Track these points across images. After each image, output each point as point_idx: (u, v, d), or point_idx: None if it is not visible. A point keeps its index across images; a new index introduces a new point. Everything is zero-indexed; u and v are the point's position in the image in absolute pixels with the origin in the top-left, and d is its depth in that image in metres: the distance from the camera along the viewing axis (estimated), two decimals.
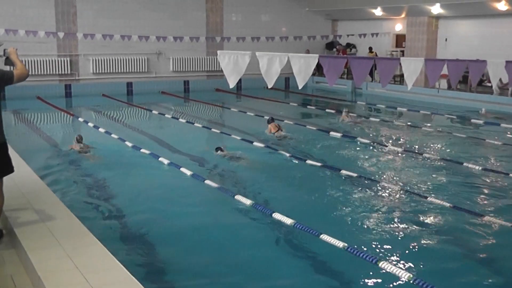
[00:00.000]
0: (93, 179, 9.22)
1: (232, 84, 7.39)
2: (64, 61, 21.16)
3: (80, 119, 15.51)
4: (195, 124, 14.49)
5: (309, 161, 10.38)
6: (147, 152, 10.92)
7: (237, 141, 12.40)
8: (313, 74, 22.10)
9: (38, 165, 9.49)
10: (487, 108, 17.69)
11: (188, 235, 6.82)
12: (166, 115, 16.25)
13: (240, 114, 16.82)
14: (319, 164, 10.11)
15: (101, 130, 13.49)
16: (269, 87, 7.69)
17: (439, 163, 10.54)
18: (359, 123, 15.13)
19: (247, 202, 7.74)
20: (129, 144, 11.76)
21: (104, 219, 7.37)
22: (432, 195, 8.41)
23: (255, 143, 11.97)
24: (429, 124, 15.27)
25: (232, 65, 7.17)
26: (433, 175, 9.68)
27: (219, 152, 10.79)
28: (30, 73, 19.96)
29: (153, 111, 17.24)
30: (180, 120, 15.36)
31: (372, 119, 16.04)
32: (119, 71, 22.22)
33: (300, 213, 7.35)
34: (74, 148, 11.05)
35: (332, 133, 13.36)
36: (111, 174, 9.47)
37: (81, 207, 7.67)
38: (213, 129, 13.70)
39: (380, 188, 8.79)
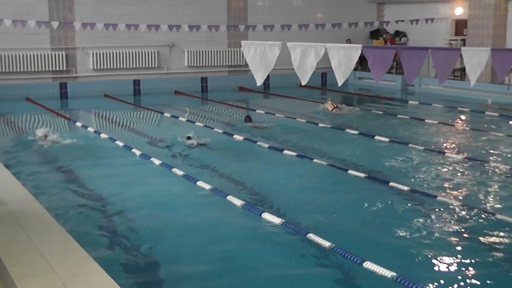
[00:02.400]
0: (87, 190, 9.55)
1: (259, 81, 7.43)
2: (58, 55, 21.44)
3: (78, 124, 15.69)
4: (215, 129, 14.56)
5: (356, 173, 10.42)
6: (158, 162, 11.13)
7: (263, 149, 12.50)
8: (355, 69, 22.08)
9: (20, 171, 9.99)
10: None
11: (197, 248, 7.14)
12: (180, 118, 16.35)
13: (268, 117, 16.84)
14: (390, 182, 10.19)
15: (104, 136, 13.65)
16: (303, 84, 7.76)
17: (509, 174, 10.46)
18: (345, 113, 16.85)
19: (277, 220, 7.83)
20: (137, 152, 11.96)
21: (100, 231, 7.73)
22: (504, 212, 8.34)
23: (285, 151, 12.05)
24: (495, 127, 15.12)
25: (259, 58, 7.19)
26: (503, 188, 9.61)
27: (189, 141, 12.50)
28: (17, 70, 20.71)
29: (165, 114, 17.36)
30: (197, 123, 15.44)
31: (428, 121, 15.95)
32: (124, 66, 22.45)
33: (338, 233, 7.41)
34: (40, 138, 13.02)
35: (377, 137, 13.40)
36: (120, 188, 9.75)
37: (73, 219, 8.03)
38: (235, 136, 13.74)
39: (437, 203, 8.73)
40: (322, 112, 17.44)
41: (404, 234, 7.68)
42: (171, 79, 23.13)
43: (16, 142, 13.68)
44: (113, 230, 7.85)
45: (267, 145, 12.73)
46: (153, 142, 13.44)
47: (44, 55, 21.24)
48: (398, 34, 26.22)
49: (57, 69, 21.45)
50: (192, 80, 23.40)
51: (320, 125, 15.12)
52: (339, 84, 7.70)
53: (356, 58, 7.42)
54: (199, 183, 9.69)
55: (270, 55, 7.31)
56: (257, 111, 18.05)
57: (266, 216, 7.99)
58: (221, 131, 14.37)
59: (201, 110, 19.38)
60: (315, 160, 11.31)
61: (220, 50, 23.89)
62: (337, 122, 15.60)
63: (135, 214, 8.43)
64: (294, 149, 12.38)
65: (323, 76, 24.64)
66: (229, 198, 8.83)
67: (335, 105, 17.63)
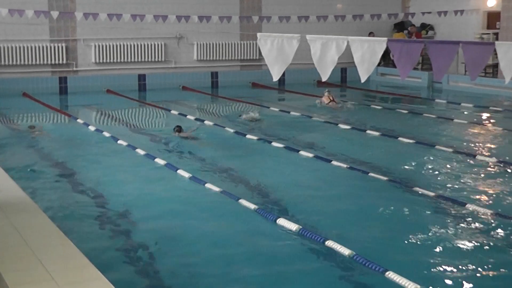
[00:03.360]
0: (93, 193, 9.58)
1: (276, 76, 7.43)
2: (58, 47, 21.52)
3: (79, 121, 15.74)
4: (226, 128, 14.57)
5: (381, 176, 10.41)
6: (162, 162, 11.23)
7: (280, 150, 12.51)
8: (377, 64, 22.02)
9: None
10: None
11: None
12: (189, 116, 16.37)
13: (283, 116, 16.83)
14: (417, 188, 10.16)
15: (106, 134, 13.72)
16: (324, 80, 7.77)
17: None
18: (339, 108, 17.75)
19: (293, 227, 7.82)
20: (141, 152, 12.04)
21: (100, 235, 7.83)
22: None
23: (302, 152, 12.05)
24: None
25: (276, 52, 7.20)
26: None
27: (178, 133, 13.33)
28: (14, 63, 20.81)
29: (172, 111, 17.39)
30: (207, 122, 15.45)
31: (456, 121, 15.90)
32: (129, 60, 22.50)
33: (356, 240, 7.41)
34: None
35: (401, 138, 13.39)
36: (120, 189, 9.82)
37: (72, 222, 8.11)
38: (248, 136, 13.76)
39: (466, 211, 8.70)
40: (325, 108, 17.65)
41: (429, 243, 7.64)
42: (179, 73, 23.17)
43: (10, 139, 13.76)
44: (114, 234, 7.90)
45: (282, 145, 12.73)
46: (157, 141, 13.47)
47: (43, 47, 21.32)
48: (425, 27, 26.13)
49: (57, 62, 21.53)
50: (201, 75, 23.43)
51: (340, 125, 15.08)
52: (362, 81, 7.70)
53: (381, 53, 7.41)
54: (208, 185, 9.76)
55: (288, 48, 7.31)
56: (271, 108, 18.06)
57: (282, 222, 7.98)
58: (232, 130, 14.38)
59: (211, 108, 19.41)
60: (333, 162, 11.30)
61: (232, 43, 23.91)
62: (358, 123, 15.57)
63: (138, 215, 8.51)
64: (311, 150, 12.36)
65: (343, 71, 24.62)
66: (242, 201, 8.88)
67: (331, 98, 18.04)
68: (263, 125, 15.30)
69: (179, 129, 13.58)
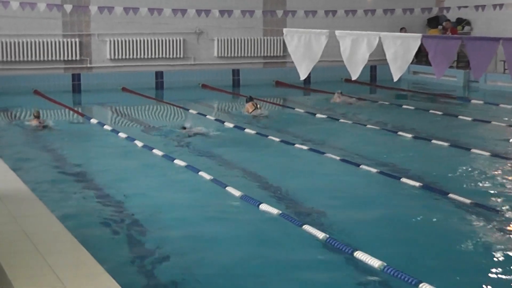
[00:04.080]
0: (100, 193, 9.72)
1: (303, 74, 7.42)
2: (71, 43, 21.65)
3: (93, 120, 15.81)
4: (246, 130, 14.56)
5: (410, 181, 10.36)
6: (182, 163, 11.26)
7: (304, 152, 12.50)
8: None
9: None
10: None
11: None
12: (208, 116, 16.38)
13: (308, 117, 16.80)
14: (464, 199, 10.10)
15: (122, 135, 13.77)
16: (353, 78, 7.73)
17: None
18: (352, 103, 18.45)
19: (320, 235, 7.79)
20: (158, 153, 12.12)
21: (115, 240, 7.92)
22: None
23: (328, 154, 12.01)
24: None
25: (303, 48, 7.19)
26: None
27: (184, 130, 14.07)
28: (25, 59, 20.93)
29: (190, 111, 17.42)
30: (227, 124, 15.44)
31: (495, 123, 15.78)
32: (146, 56, 22.59)
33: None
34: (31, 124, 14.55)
35: (434, 141, 13.33)
36: (134, 190, 9.85)
37: (84, 227, 8.15)
38: (270, 137, 13.75)
39: (506, 221, 8.62)
40: (353, 109, 17.72)
41: (465, 254, 7.60)
42: (198, 71, 23.23)
43: (21, 139, 13.88)
44: (129, 239, 7.94)
45: (306, 147, 12.72)
46: (175, 142, 13.51)
47: (55, 42, 21.46)
48: (461, 22, 25.97)
49: (70, 58, 21.67)
50: (222, 72, 23.47)
51: (369, 126, 15.04)
52: (395, 79, 7.65)
53: (415, 50, 7.36)
54: (229, 188, 9.77)
55: (316, 45, 7.29)
56: (296, 109, 18.02)
57: (308, 229, 7.95)
58: (253, 131, 14.38)
59: (232, 107, 19.41)
60: (362, 167, 11.26)
61: (255, 38, 23.92)
62: (389, 124, 15.51)
63: (158, 221, 8.53)
64: (338, 152, 12.33)
65: (373, 69, 24.53)
66: (263, 206, 8.88)
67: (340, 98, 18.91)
68: (276, 124, 15.57)
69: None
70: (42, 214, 7.45)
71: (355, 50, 7.32)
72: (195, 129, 14.05)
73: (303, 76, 7.59)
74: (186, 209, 9.14)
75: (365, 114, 17.01)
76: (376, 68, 24.31)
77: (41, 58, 21.28)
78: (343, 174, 11.20)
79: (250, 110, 16.41)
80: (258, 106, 16.62)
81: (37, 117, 14.77)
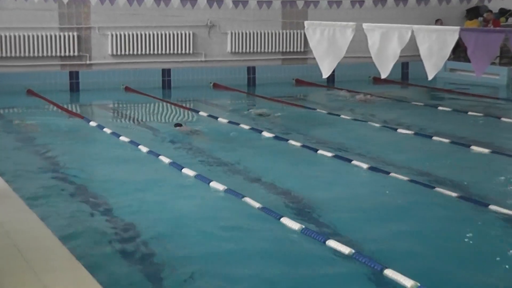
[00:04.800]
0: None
1: (326, 72, 7.43)
2: (69, 37, 21.72)
3: (92, 124, 15.84)
4: (263, 134, 14.56)
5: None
6: (191, 173, 11.25)
7: (327, 159, 12.49)
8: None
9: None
10: None
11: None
12: (220, 119, 16.39)
13: (332, 119, 16.79)
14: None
15: (124, 139, 13.81)
16: (383, 76, 7.72)
17: None
18: (372, 101, 19.01)
19: (346, 250, 7.79)
20: (165, 160, 12.12)
21: (114, 255, 7.92)
22: None
23: (354, 162, 12.01)
24: None
25: (327, 43, 7.18)
26: None
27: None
28: (18, 54, 21.02)
29: (201, 113, 17.44)
30: (242, 126, 15.45)
31: None
32: (151, 52, 22.63)
33: None
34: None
35: (474, 147, 13.31)
36: (134, 201, 9.86)
37: (82, 241, 8.19)
38: (290, 141, 13.75)
39: None
40: (381, 111, 17.79)
41: (509, 274, 7.56)
42: (210, 68, 23.26)
43: (12, 142, 14.00)
44: (133, 256, 7.93)
45: (330, 154, 12.71)
46: (184, 148, 13.58)
47: (51, 36, 21.54)
48: (504, 13, 25.87)
49: (67, 54, 21.75)
50: (236, 70, 23.51)
51: (400, 131, 15.00)
52: (430, 78, 7.62)
53: (452, 44, 7.34)
54: (246, 199, 9.77)
55: (341, 39, 7.28)
56: (318, 110, 18.00)
57: (332, 244, 7.96)
58: (271, 135, 14.38)
59: (247, 108, 19.38)
60: (392, 174, 11.24)
61: (273, 32, 23.92)
62: (423, 128, 15.48)
63: (163, 235, 8.55)
64: (365, 159, 12.32)
65: (404, 66, 24.47)
66: (284, 220, 8.87)
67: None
68: (296, 126, 15.82)
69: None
70: (35, 227, 7.45)
71: (385, 45, 7.31)
72: (200, 134, 14.30)
73: (326, 74, 7.59)
74: (199, 223, 9.11)
75: (396, 117, 16.96)
76: (408, 65, 24.26)
77: (35, 54, 21.35)
78: (371, 183, 11.21)
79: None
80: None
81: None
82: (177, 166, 11.68)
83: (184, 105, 18.87)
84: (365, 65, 20.39)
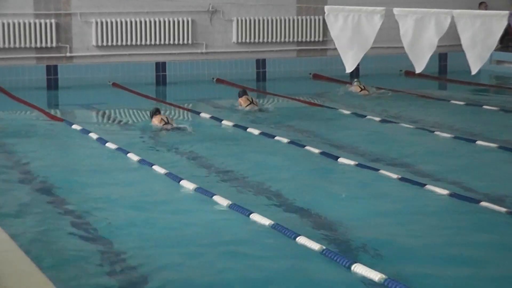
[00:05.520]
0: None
1: (350, 66, 7.44)
2: (46, 25, 21.71)
3: (76, 127, 15.86)
4: (277, 138, 14.57)
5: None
6: (190, 186, 11.26)
7: (350, 168, 12.51)
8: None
9: None
10: None
11: None
12: (225, 122, 16.39)
13: (356, 121, 16.81)
14: None
15: (111, 146, 13.86)
16: (418, 71, 7.70)
17: None
18: (373, 93, 19.77)
19: (376, 276, 7.79)
20: (160, 170, 12.18)
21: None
22: None
23: (382, 171, 12.03)
24: None
25: (351, 32, 7.20)
26: None
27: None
28: None
29: (202, 114, 17.48)
30: (251, 130, 15.46)
31: None
32: (143, 43, 22.62)
33: None
34: None
35: None
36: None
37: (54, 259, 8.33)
38: (308, 147, 13.77)
39: None
40: (414, 112, 17.86)
41: None
42: (212, 61, 23.27)
43: None
44: (116, 279, 8.01)
45: (353, 163, 12.74)
46: (181, 155, 13.66)
47: (25, 24, 21.55)
48: None
49: (43, 45, 21.77)
50: (243, 63, 23.54)
51: (438, 133, 14.99)
52: (473, 72, 7.61)
53: (500, 32, 7.33)
54: (254, 217, 9.79)
55: (368, 27, 7.29)
56: (340, 110, 17.99)
57: (359, 269, 7.96)
58: (285, 139, 14.36)
59: (256, 109, 19.40)
60: (428, 187, 11.24)
61: (286, 19, 23.90)
62: (465, 130, 15.49)
63: (148, 253, 8.66)
64: (397, 169, 12.33)
65: (442, 58, 24.43)
66: (303, 240, 8.87)
67: (362, 87, 20.41)
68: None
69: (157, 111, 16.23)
70: (8, 249, 7.47)
71: (420, 34, 7.31)
72: (195, 135, 14.67)
73: (350, 68, 7.60)
74: (195, 242, 9.15)
75: (433, 117, 16.97)
76: (446, 57, 24.24)
77: (7, 45, 21.38)
78: (404, 196, 11.18)
79: (244, 105, 18.22)
80: (254, 101, 18.40)
81: None
82: (174, 178, 11.70)
83: (181, 105, 18.85)
84: (396, 57, 20.45)
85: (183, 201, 11.05)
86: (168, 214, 10.38)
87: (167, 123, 15.92)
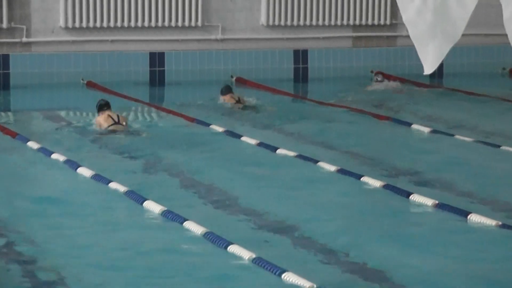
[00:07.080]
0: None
1: (430, 65, 7.39)
2: None
3: (32, 145, 15.99)
4: (319, 164, 14.65)
5: None
6: (194, 227, 11.37)
7: (379, 192, 12.73)
8: None
9: None
10: None
11: None
12: (249, 141, 16.47)
13: (430, 137, 16.95)
14: None
15: (84, 172, 13.95)
16: None
17: None
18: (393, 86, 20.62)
19: None
20: (155, 207, 12.18)
21: None
22: None
23: (415, 197, 12.25)
24: None
25: (431, 16, 7.20)
26: None
27: None
28: None
29: (212, 127, 17.57)
30: (283, 151, 15.56)
31: None
32: (132, 25, 22.76)
33: None
34: None
35: None
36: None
37: None
38: (364, 178, 13.87)
39: None
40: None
41: None
42: (230, 52, 23.43)
43: None
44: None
45: (381, 183, 13.22)
46: (173, 179, 13.86)
47: None
48: None
49: None
50: (274, 55, 23.72)
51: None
52: None
53: None
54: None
55: (457, 9, 7.29)
56: (414, 126, 18.09)
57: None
58: (333, 167, 14.40)
59: (292, 121, 19.47)
60: (472, 218, 11.44)
61: None
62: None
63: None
64: (432, 189, 12.74)
65: None
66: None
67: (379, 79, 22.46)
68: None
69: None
70: None
71: None
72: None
73: (430, 69, 7.54)
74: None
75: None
76: None
77: None
78: (442, 223, 11.53)
79: (231, 105, 20.22)
80: (240, 99, 20.17)
81: None
82: (173, 216, 11.80)
83: (185, 113, 18.91)
84: (496, 50, 20.53)
85: (174, 232, 11.27)
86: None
87: (116, 122, 16.44)
